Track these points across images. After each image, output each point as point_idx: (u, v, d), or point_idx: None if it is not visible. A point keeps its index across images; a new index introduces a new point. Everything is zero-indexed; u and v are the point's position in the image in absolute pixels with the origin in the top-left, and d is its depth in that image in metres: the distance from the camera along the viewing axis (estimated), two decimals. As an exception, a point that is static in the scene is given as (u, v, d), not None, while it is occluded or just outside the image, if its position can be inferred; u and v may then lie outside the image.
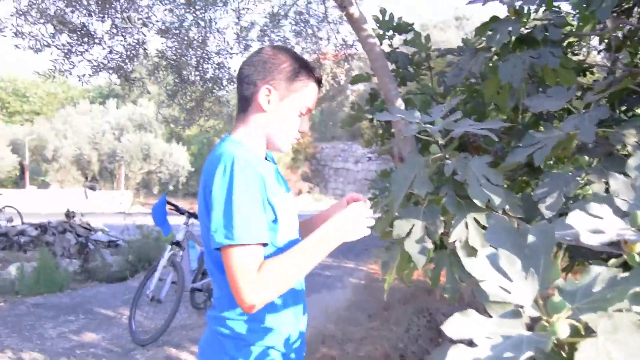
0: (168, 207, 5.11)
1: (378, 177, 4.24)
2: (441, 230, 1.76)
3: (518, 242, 0.94)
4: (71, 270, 8.21)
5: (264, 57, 1.62)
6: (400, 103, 3.54)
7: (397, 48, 4.06)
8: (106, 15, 3.62)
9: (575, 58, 3.51)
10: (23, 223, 12.15)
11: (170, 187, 28.26)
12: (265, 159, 1.69)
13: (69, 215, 9.89)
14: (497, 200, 1.68)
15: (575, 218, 0.95)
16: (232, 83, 4.60)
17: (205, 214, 1.52)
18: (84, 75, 3.92)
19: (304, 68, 1.65)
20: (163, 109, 4.70)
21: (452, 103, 1.88)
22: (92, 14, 3.58)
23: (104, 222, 11.90)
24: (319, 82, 1.72)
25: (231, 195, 1.43)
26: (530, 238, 0.91)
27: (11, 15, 3.46)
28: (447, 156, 1.82)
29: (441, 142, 1.83)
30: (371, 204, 1.80)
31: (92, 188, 23.65)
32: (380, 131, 4.45)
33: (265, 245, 1.49)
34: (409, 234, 1.79)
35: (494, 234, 0.98)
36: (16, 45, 3.51)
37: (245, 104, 1.63)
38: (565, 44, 3.29)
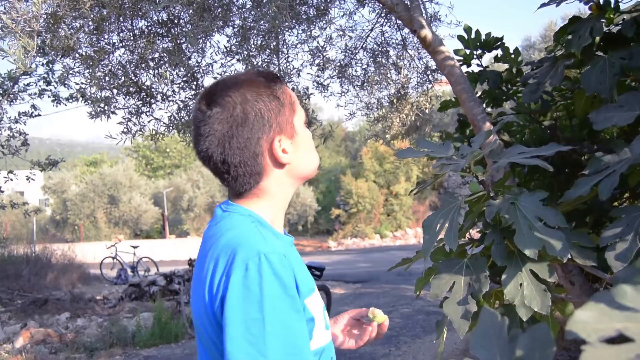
0: None
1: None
2: (486, 288, 1.39)
3: (507, 352, 0.59)
4: (194, 318, 8.41)
5: (236, 115, 1.13)
6: (488, 127, 3.15)
7: (487, 67, 3.70)
8: (173, 72, 3.63)
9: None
10: (157, 273, 12.81)
11: (299, 227, 28.80)
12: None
13: (191, 263, 10.20)
14: (556, 246, 1.29)
15: (583, 317, 0.48)
16: (313, 122, 4.42)
17: (210, 326, 1.09)
18: (155, 134, 3.94)
19: (271, 84, 1.19)
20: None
21: (495, 129, 1.51)
22: (157, 73, 3.60)
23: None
24: (280, 78, 1.25)
25: (263, 320, 0.99)
26: (521, 348, 0.55)
27: (84, 84, 3.57)
28: (492, 194, 1.46)
29: (482, 177, 1.48)
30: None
31: (225, 234, 24.61)
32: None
33: None
34: (450, 293, 1.44)
35: (480, 337, 0.62)
36: (89, 113, 3.59)
37: (255, 179, 1.17)
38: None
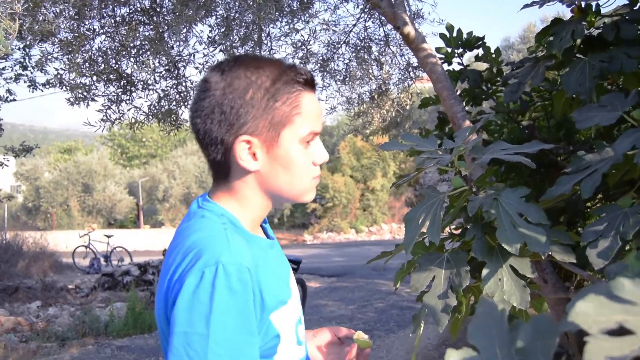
0: None
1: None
2: (467, 282, 1.42)
3: (506, 342, 0.59)
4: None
5: (216, 95, 1.04)
6: (468, 125, 3.18)
7: (468, 66, 3.72)
8: (155, 61, 3.59)
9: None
10: (130, 263, 12.70)
11: (275, 220, 28.82)
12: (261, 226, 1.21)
13: (165, 254, 10.14)
14: (538, 242, 1.31)
15: (584, 308, 0.47)
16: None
17: (165, 324, 1.02)
18: (135, 123, 3.91)
19: (280, 80, 1.06)
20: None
21: (478, 125, 1.54)
22: (138, 61, 3.56)
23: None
24: (310, 84, 1.11)
25: (207, 336, 0.91)
26: (522, 339, 0.55)
27: (63, 70, 3.52)
28: (474, 189, 1.48)
29: (466, 172, 1.50)
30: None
31: (200, 225, 24.46)
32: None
33: None
34: (429, 286, 1.46)
35: (478, 327, 0.62)
36: (68, 99, 3.55)
37: (222, 169, 1.09)
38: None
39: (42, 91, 6.51)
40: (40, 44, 3.75)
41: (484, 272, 1.42)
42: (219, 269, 0.94)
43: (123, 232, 23.00)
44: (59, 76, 3.76)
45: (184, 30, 3.57)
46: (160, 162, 33.16)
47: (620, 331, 0.47)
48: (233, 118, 1.04)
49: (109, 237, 14.91)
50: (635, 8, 2.24)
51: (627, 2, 2.28)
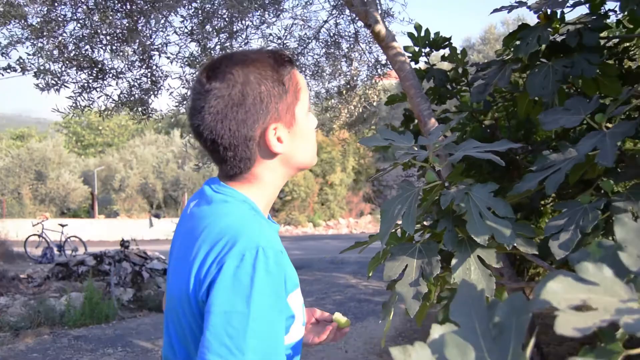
0: None
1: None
2: (438, 271, 1.50)
3: (485, 318, 0.66)
4: (125, 299, 8.28)
5: (233, 96, 1.08)
6: (434, 123, 3.28)
7: (434, 65, 3.82)
8: (128, 49, 3.56)
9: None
10: (85, 252, 12.47)
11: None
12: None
13: (123, 244, 10.00)
14: (504, 234, 1.41)
15: (554, 288, 0.55)
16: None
17: (189, 310, 1.06)
18: (104, 110, 3.88)
19: (277, 66, 1.13)
20: (193, 140, 4.58)
21: (452, 123, 1.63)
22: (111, 49, 3.52)
23: (161, 250, 12.03)
24: (292, 60, 1.20)
25: (248, 315, 0.96)
26: (498, 315, 0.63)
27: (33, 55, 3.46)
28: (446, 184, 1.57)
29: (439, 167, 1.58)
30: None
31: (157, 216, 24.16)
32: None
33: None
34: (402, 275, 1.54)
35: (459, 305, 0.69)
36: (36, 85, 3.49)
37: (245, 162, 1.13)
38: (620, 49, 2.96)
39: (2, 75, 6.33)
40: (6, 27, 3.67)
41: (453, 261, 1.51)
42: (259, 252, 1.00)
43: (77, 222, 22.48)
44: (21, 61, 3.69)
45: (162, 20, 3.56)
46: (117, 151, 32.51)
47: (585, 307, 0.55)
48: (258, 112, 1.09)
49: (63, 226, 14.59)
50: (595, 17, 2.36)
51: (589, 11, 2.41)
